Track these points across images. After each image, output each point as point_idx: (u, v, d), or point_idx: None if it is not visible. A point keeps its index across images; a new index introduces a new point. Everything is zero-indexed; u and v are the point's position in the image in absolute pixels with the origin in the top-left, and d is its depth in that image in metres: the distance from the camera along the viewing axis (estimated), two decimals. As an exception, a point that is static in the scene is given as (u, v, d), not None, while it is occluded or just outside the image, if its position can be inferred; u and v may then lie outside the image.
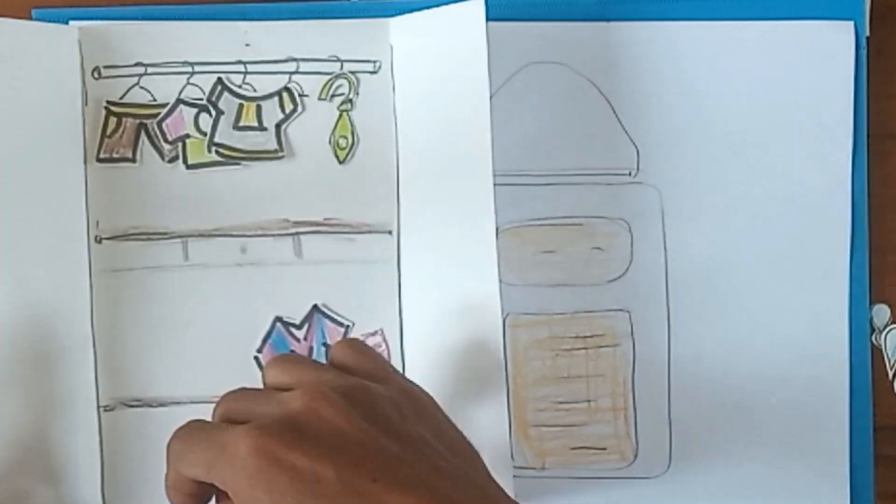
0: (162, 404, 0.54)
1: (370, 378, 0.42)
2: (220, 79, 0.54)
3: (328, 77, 0.54)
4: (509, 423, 0.54)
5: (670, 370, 0.55)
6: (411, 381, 0.44)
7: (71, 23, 0.53)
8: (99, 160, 0.54)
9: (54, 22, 0.53)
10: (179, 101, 0.54)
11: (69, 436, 0.53)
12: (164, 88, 0.54)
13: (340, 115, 0.54)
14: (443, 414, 0.43)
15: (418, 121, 0.53)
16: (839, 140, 0.54)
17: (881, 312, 0.55)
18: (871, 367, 0.55)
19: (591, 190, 0.55)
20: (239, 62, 0.54)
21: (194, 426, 0.41)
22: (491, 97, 0.51)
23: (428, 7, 0.52)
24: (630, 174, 0.55)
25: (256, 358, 0.54)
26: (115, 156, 0.54)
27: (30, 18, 0.53)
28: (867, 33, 0.54)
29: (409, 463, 0.39)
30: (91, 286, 0.53)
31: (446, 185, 0.52)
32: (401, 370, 0.53)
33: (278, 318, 0.54)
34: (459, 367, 0.51)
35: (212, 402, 0.54)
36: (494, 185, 0.50)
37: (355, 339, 0.45)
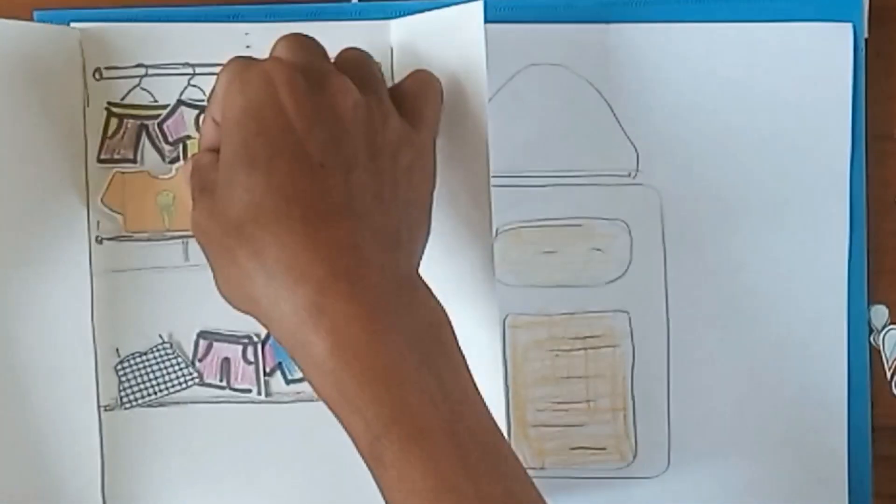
0: (162, 404, 0.54)
1: (378, 100, 0.45)
2: (220, 80, 0.54)
3: (328, 78, 0.54)
4: (508, 423, 0.54)
5: (669, 370, 0.55)
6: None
7: (72, 24, 0.53)
8: (100, 161, 0.54)
9: (56, 23, 0.53)
10: (180, 102, 0.54)
11: (69, 436, 0.53)
12: (165, 90, 0.54)
13: (341, 117, 0.54)
14: (429, 164, 0.46)
15: (418, 122, 0.53)
16: (838, 141, 0.54)
17: (879, 313, 0.55)
18: (870, 368, 0.55)
19: (590, 191, 0.55)
20: (239, 63, 0.54)
21: (234, 59, 0.44)
22: (490, 99, 0.52)
23: (428, 9, 0.52)
24: (629, 175, 0.55)
25: (256, 358, 0.54)
26: (116, 157, 0.54)
27: (31, 20, 0.53)
28: (866, 35, 0.54)
29: (368, 174, 0.42)
30: (91, 286, 0.53)
31: (445, 186, 0.52)
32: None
33: (278, 319, 0.54)
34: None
35: (211, 403, 0.54)
36: (493, 185, 0.50)
37: (367, 56, 0.47)
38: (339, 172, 0.41)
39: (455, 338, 0.42)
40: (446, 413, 0.39)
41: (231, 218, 0.41)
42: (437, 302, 0.43)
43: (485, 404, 0.42)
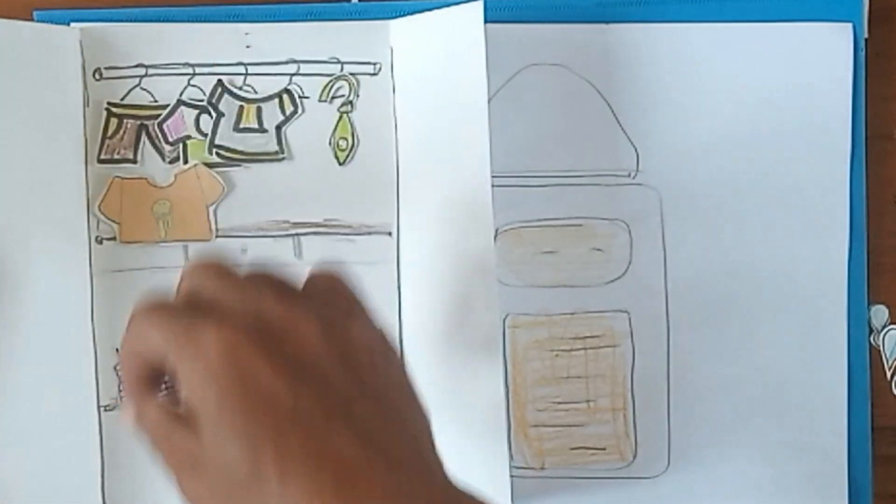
0: (162, 404, 0.54)
1: (346, 314, 0.41)
2: (220, 80, 0.54)
3: (328, 79, 0.54)
4: (508, 423, 0.54)
5: (669, 371, 0.55)
6: (381, 327, 0.42)
7: (72, 24, 0.53)
8: (100, 161, 0.54)
9: (56, 23, 0.53)
10: (180, 102, 0.54)
11: (69, 436, 0.53)
12: (165, 90, 0.54)
13: (340, 117, 0.54)
14: (405, 369, 0.42)
15: (418, 122, 0.53)
16: (838, 141, 0.54)
17: (879, 313, 0.55)
18: (870, 368, 0.55)
19: (590, 191, 0.55)
20: (240, 64, 0.54)
21: (160, 305, 0.39)
22: (490, 99, 0.52)
23: (428, 9, 0.52)
24: (629, 175, 0.55)
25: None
26: (115, 157, 0.54)
27: (31, 20, 0.54)
28: (866, 35, 0.54)
29: (367, 412, 0.38)
30: (91, 287, 0.53)
31: (445, 187, 0.52)
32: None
33: (278, 319, 0.54)
34: (459, 368, 0.51)
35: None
36: (494, 186, 0.50)
37: (334, 272, 0.42)
38: (344, 421, 0.37)
39: None
40: None
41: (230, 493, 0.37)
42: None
43: None
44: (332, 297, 0.41)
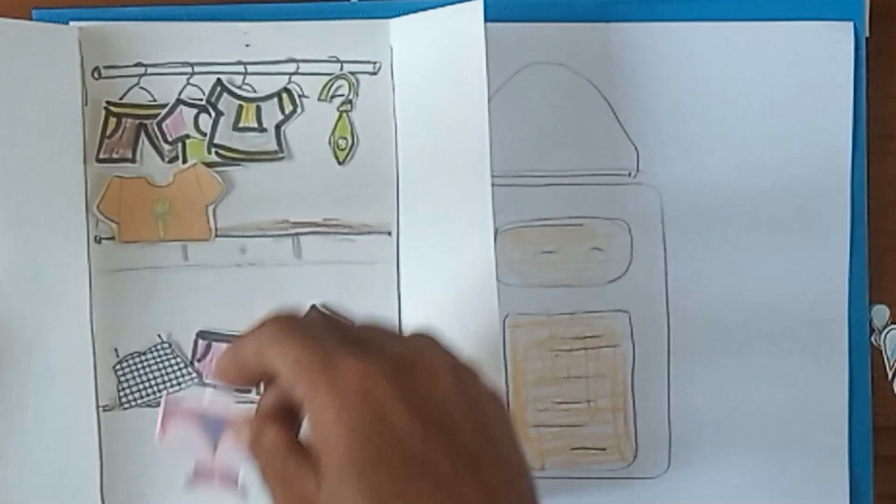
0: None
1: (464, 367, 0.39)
2: (219, 80, 0.54)
3: (328, 78, 0.54)
4: (509, 423, 0.54)
5: (670, 370, 0.55)
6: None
7: (71, 23, 0.53)
8: (99, 160, 0.54)
9: (54, 22, 0.53)
10: (179, 101, 0.54)
11: (68, 436, 0.53)
12: (164, 89, 0.54)
13: (340, 116, 0.54)
14: (514, 427, 0.40)
15: (418, 122, 0.53)
16: (839, 140, 0.54)
17: (880, 313, 0.55)
18: (871, 368, 0.55)
19: (590, 190, 0.55)
20: (239, 63, 0.54)
21: (306, 323, 0.38)
22: (490, 98, 0.51)
23: (427, 8, 0.52)
24: (630, 175, 0.55)
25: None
26: (114, 156, 0.54)
27: (30, 19, 0.53)
28: (867, 34, 0.54)
29: (492, 466, 0.36)
30: (91, 286, 0.53)
31: (445, 186, 0.52)
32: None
33: (278, 319, 0.54)
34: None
35: (211, 403, 0.54)
36: (493, 185, 0.50)
37: (431, 333, 0.40)
38: (472, 475, 0.36)
39: None
40: None
41: None
42: None
43: None
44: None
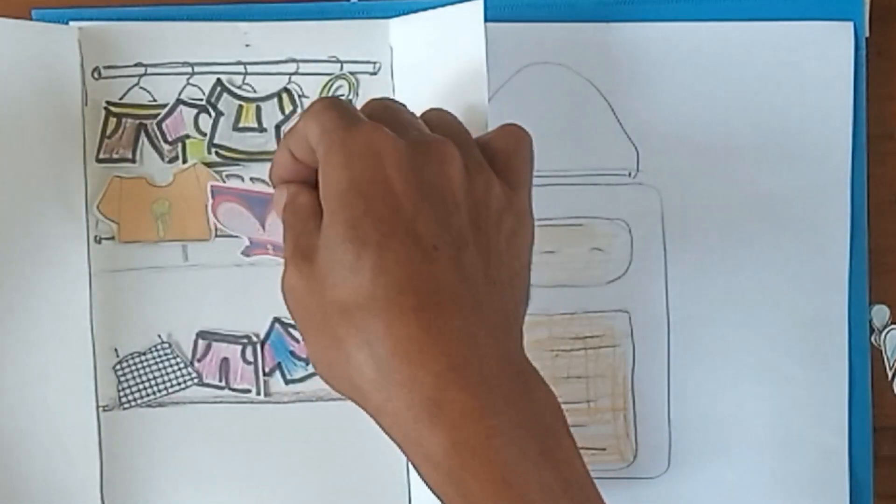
0: (161, 405, 0.54)
1: (489, 173, 0.42)
2: (219, 80, 0.54)
3: (328, 78, 0.54)
4: (509, 423, 0.54)
5: (670, 371, 0.55)
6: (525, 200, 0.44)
7: (71, 23, 0.53)
8: (99, 160, 0.54)
9: (54, 22, 0.53)
10: (179, 101, 0.54)
11: (68, 436, 0.52)
12: (164, 89, 0.54)
13: (340, 116, 0.54)
14: (524, 248, 0.43)
15: (418, 121, 0.53)
16: (839, 140, 0.54)
17: (880, 313, 0.55)
18: (871, 368, 0.55)
19: (590, 190, 0.55)
20: (239, 63, 0.54)
21: (347, 104, 0.41)
22: (490, 98, 0.51)
23: (427, 8, 0.52)
24: (630, 175, 0.55)
25: (255, 358, 0.54)
26: (114, 156, 0.54)
27: (30, 19, 0.53)
28: (867, 34, 0.54)
29: (475, 261, 0.39)
30: (90, 286, 0.53)
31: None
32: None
33: (277, 319, 0.54)
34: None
35: (210, 403, 0.54)
36: (494, 185, 0.50)
37: (452, 115, 0.45)
38: (451, 254, 0.38)
39: (566, 421, 0.40)
40: None
41: (336, 300, 0.38)
42: (547, 386, 0.40)
43: (595, 487, 0.40)
44: (470, 146, 0.43)
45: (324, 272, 0.39)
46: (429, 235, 0.38)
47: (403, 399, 0.37)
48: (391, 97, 0.44)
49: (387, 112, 0.42)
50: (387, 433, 0.39)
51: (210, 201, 0.52)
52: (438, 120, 0.44)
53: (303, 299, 0.40)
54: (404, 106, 0.44)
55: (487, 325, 0.38)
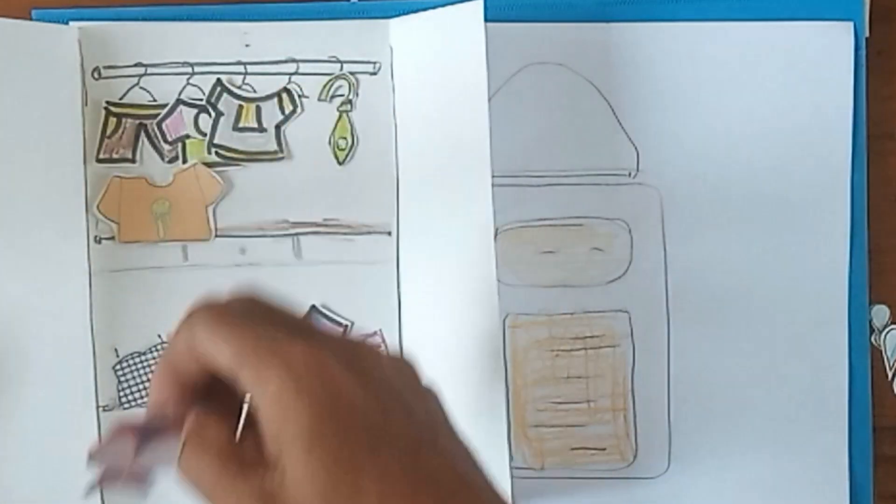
0: (161, 405, 0.54)
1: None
2: (219, 80, 0.54)
3: (328, 78, 0.54)
4: (508, 423, 0.54)
5: (669, 371, 0.55)
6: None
7: (71, 23, 0.53)
8: (99, 160, 0.54)
9: (54, 22, 0.53)
10: (179, 101, 0.54)
11: (68, 436, 0.52)
12: (164, 89, 0.54)
13: (340, 116, 0.54)
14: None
15: (418, 122, 0.53)
16: (838, 140, 0.54)
17: (880, 313, 0.55)
18: (871, 368, 0.55)
19: (590, 190, 0.55)
20: (239, 63, 0.54)
21: (228, 311, 0.37)
22: (490, 98, 0.51)
23: (427, 8, 0.52)
24: (630, 175, 0.55)
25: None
26: (114, 156, 0.54)
27: (30, 19, 0.53)
28: (866, 34, 0.54)
29: (447, 440, 0.38)
30: (91, 286, 0.53)
31: (445, 186, 0.52)
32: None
33: (278, 319, 0.54)
34: (458, 368, 0.51)
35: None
36: (493, 185, 0.50)
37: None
38: (427, 440, 0.37)
39: None
40: None
41: None
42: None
43: None
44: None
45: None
46: (408, 436, 0.36)
47: None
48: (250, 291, 0.39)
49: (258, 311, 0.38)
50: None
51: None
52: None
53: None
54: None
55: (477, 471, 0.38)
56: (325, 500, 0.34)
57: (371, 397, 0.36)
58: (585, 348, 0.55)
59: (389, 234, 0.54)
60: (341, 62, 0.54)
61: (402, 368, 0.39)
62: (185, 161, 0.54)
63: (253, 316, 0.37)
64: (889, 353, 0.55)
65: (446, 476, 0.36)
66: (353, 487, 0.34)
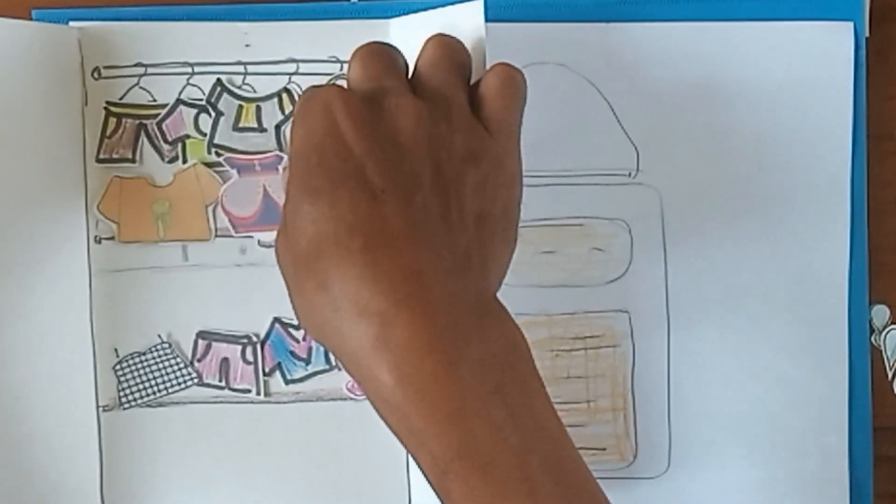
0: (161, 405, 0.54)
1: (454, 123, 0.43)
2: (219, 80, 0.54)
3: (328, 78, 0.54)
4: (509, 423, 0.54)
5: (669, 371, 0.55)
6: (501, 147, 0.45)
7: (71, 23, 0.53)
8: (99, 161, 0.54)
9: (54, 22, 0.53)
10: (179, 101, 0.54)
11: (68, 436, 0.52)
12: (164, 89, 0.54)
13: (340, 116, 0.54)
14: (505, 191, 0.44)
15: (418, 121, 0.53)
16: (838, 140, 0.54)
17: (880, 313, 0.55)
18: (871, 368, 0.55)
19: (590, 190, 0.55)
20: (239, 63, 0.54)
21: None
22: (490, 98, 0.51)
23: (428, 8, 0.52)
24: (630, 175, 0.55)
25: (255, 358, 0.54)
26: (114, 156, 0.54)
27: (30, 19, 0.53)
28: (867, 34, 0.54)
29: (430, 203, 0.41)
30: (90, 286, 0.53)
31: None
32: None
33: (277, 319, 0.54)
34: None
35: (210, 403, 0.54)
36: (494, 185, 0.50)
37: (448, 54, 0.46)
38: (400, 197, 0.40)
39: (532, 361, 0.40)
40: (516, 444, 0.38)
41: (299, 251, 0.40)
42: (513, 325, 0.41)
43: (562, 430, 0.40)
44: (445, 90, 0.44)
45: (289, 227, 0.41)
46: (377, 180, 0.40)
47: (354, 337, 0.38)
48: (388, 42, 0.46)
49: (370, 59, 0.44)
50: (349, 374, 0.40)
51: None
52: (428, 69, 0.45)
53: (282, 260, 0.42)
54: (396, 52, 0.45)
55: (440, 262, 0.39)
56: (293, 214, 0.40)
57: (361, 138, 0.40)
58: (585, 348, 0.55)
59: (389, 234, 0.54)
60: (341, 62, 0.54)
61: (438, 120, 0.42)
62: (185, 161, 0.54)
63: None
64: (889, 353, 0.55)
65: (398, 229, 0.39)
66: (310, 206, 0.40)
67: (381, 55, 0.44)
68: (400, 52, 0.45)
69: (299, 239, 0.40)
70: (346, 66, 0.54)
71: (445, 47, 0.45)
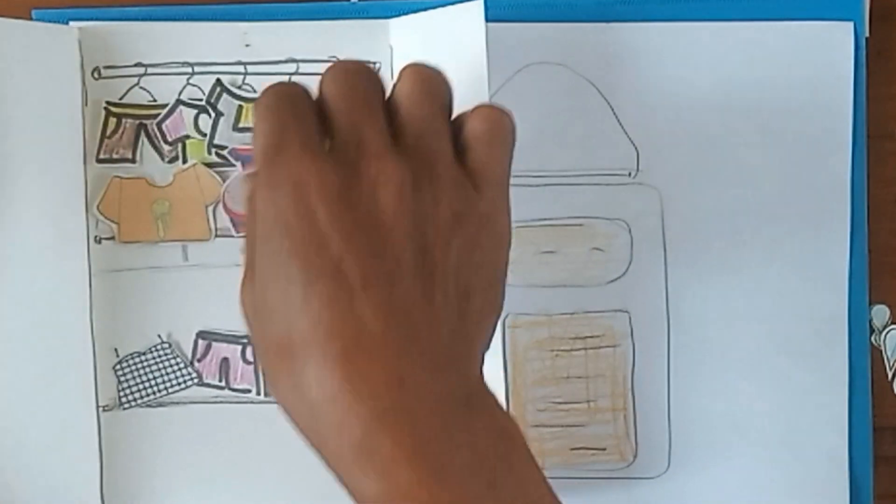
0: (161, 405, 0.54)
1: (436, 171, 0.39)
2: (219, 80, 0.54)
3: (328, 78, 0.54)
4: (509, 423, 0.54)
5: (670, 371, 0.55)
6: (490, 199, 0.40)
7: (71, 23, 0.53)
8: (98, 161, 0.54)
9: (54, 22, 0.53)
10: (179, 101, 0.54)
11: (68, 436, 0.52)
12: (164, 89, 0.54)
13: (340, 116, 0.54)
14: (495, 250, 0.41)
15: (418, 121, 0.53)
16: (838, 141, 0.54)
17: (881, 313, 0.55)
18: (871, 368, 0.55)
19: (590, 190, 0.55)
20: (239, 63, 0.54)
21: (295, 101, 0.39)
22: (490, 98, 0.51)
23: (428, 8, 0.52)
24: (630, 175, 0.55)
25: (255, 358, 0.54)
26: (114, 156, 0.54)
27: (30, 19, 0.53)
28: (867, 34, 0.54)
29: (412, 291, 0.37)
30: (91, 286, 0.53)
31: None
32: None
33: (278, 319, 0.54)
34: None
35: (210, 403, 0.54)
36: (494, 185, 0.50)
37: (428, 89, 0.41)
38: (381, 291, 0.36)
39: (524, 446, 0.38)
40: None
41: (270, 336, 0.38)
42: (501, 412, 0.39)
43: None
44: (429, 140, 0.40)
45: (259, 301, 0.38)
46: (355, 273, 0.36)
47: (335, 444, 0.36)
48: (361, 62, 0.41)
49: (353, 96, 0.40)
50: (330, 469, 0.38)
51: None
52: (408, 108, 0.40)
53: (248, 317, 0.40)
54: (374, 76, 0.41)
55: (422, 362, 0.37)
56: (264, 291, 0.38)
57: (335, 223, 0.37)
58: (585, 348, 0.55)
59: (389, 234, 0.54)
60: (341, 62, 0.54)
61: (423, 189, 0.38)
62: (185, 161, 0.54)
63: (304, 112, 0.39)
64: (889, 353, 0.55)
65: (374, 329, 0.36)
66: (283, 295, 0.37)
67: (360, 90, 0.40)
68: (376, 73, 0.41)
69: (270, 325, 0.37)
70: (346, 66, 0.54)
71: (426, 81, 0.41)
